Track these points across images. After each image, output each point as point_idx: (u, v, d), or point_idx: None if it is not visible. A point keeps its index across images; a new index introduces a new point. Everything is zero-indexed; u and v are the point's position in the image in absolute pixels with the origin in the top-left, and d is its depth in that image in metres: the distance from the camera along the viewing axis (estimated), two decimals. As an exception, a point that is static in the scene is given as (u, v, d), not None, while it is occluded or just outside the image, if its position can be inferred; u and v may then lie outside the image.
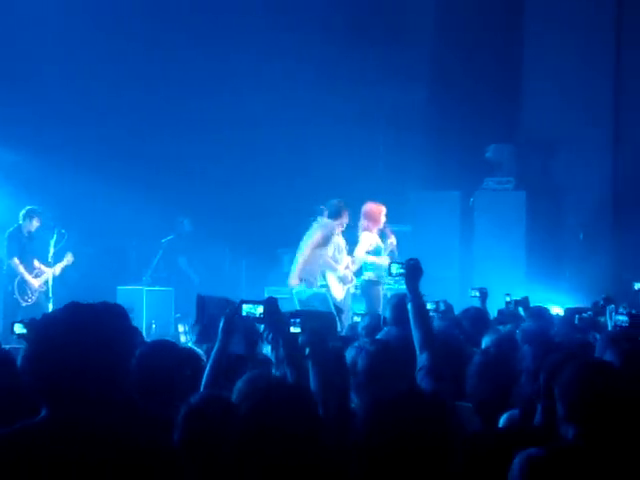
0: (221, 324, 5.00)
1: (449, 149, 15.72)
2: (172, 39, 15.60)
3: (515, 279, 14.32)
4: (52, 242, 13.16)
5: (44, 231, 13.33)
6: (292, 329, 4.62)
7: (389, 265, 6.08)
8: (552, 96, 15.92)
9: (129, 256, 16.20)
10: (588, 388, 3.58)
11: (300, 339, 4.48)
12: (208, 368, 4.93)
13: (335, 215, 12.30)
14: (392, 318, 6.67)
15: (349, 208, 12.50)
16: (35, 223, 13.06)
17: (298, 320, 4.66)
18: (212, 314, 6.92)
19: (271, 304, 4.91)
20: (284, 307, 5.29)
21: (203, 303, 6.94)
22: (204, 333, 7.09)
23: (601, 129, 15.94)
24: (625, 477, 3.45)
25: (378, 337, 6.05)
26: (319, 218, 12.44)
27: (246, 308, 4.90)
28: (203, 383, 4.83)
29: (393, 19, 16.73)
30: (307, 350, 4.30)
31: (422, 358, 5.04)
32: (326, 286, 11.90)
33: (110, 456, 2.77)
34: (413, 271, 5.69)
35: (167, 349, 4.81)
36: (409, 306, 5.51)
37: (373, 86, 16.48)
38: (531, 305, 9.45)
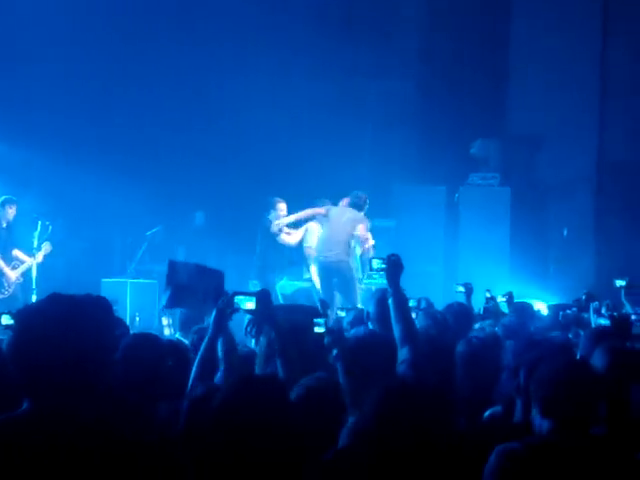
0: (212, 316, 4.96)
1: (435, 144, 15.73)
2: (165, 27, 15.55)
3: (499, 275, 14.36)
4: (36, 234, 13.11)
5: (27, 223, 13.28)
6: (316, 329, 4.61)
7: (370, 260, 6.13)
8: (538, 92, 15.97)
9: (114, 248, 16.16)
10: (561, 384, 3.63)
11: (326, 340, 4.49)
12: (197, 360, 4.91)
13: (360, 208, 12.96)
14: (375, 313, 6.67)
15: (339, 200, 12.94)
16: (11, 211, 12.93)
17: (322, 321, 4.64)
18: (182, 280, 6.94)
19: (264, 296, 4.90)
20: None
21: (174, 268, 6.95)
22: (174, 298, 7.10)
23: (586, 125, 16.00)
24: (598, 472, 3.50)
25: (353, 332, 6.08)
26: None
27: (239, 300, 4.86)
28: (192, 375, 4.81)
29: (382, 13, 16.73)
30: (334, 352, 4.32)
31: (403, 352, 5.05)
32: (311, 280, 11.93)
33: (94, 448, 2.76)
34: (394, 267, 5.76)
35: (150, 342, 4.76)
36: (390, 301, 5.57)
37: (360, 79, 16.49)
38: (515, 301, 9.49)
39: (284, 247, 13.18)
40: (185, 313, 8.37)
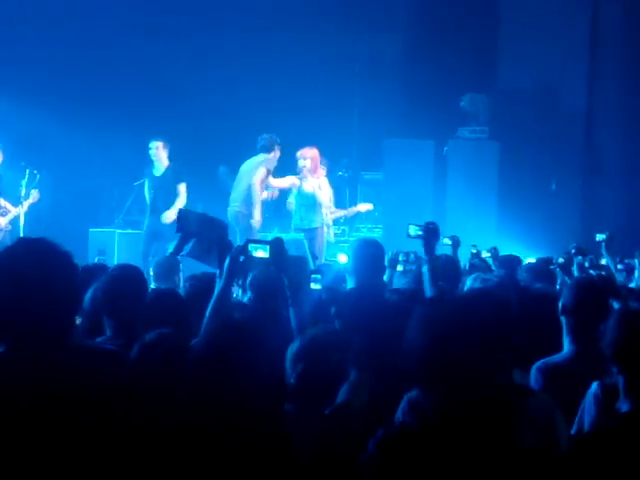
0: (226, 264, 4.87)
1: (424, 98, 15.67)
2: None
3: (486, 228, 14.41)
4: (23, 183, 13.07)
5: (15, 172, 13.22)
6: (313, 285, 4.58)
7: (408, 226, 5.97)
8: (528, 46, 15.90)
9: (102, 199, 16.11)
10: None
11: (324, 296, 4.48)
12: (209, 310, 4.90)
13: (269, 149, 12.46)
14: (355, 265, 6.60)
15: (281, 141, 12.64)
16: None
17: (319, 277, 4.61)
18: (191, 228, 6.96)
19: (278, 245, 4.82)
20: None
21: (185, 216, 6.98)
22: (180, 246, 7.14)
23: (576, 80, 15.96)
24: None
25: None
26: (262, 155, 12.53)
27: (252, 248, 4.75)
28: (204, 323, 4.79)
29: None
30: (333, 310, 4.31)
31: None
32: (304, 230, 11.88)
33: (65, 389, 2.79)
34: (432, 235, 5.79)
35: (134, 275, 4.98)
36: (424, 268, 5.62)
37: (349, 34, 16.38)
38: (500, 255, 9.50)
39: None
40: (160, 264, 8.35)
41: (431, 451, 2.85)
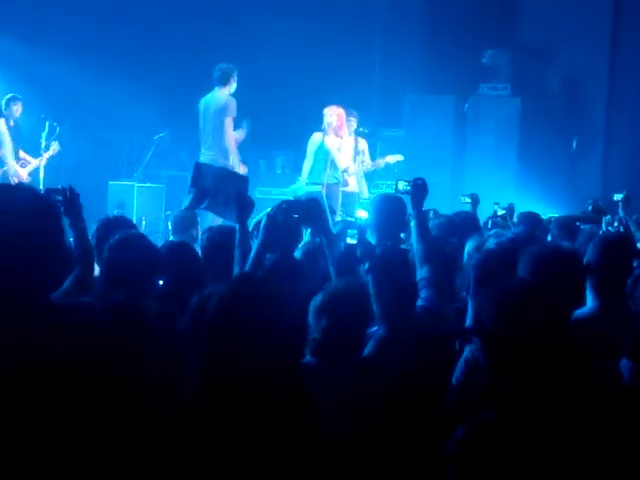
0: (263, 222, 4.86)
1: (445, 53, 15.52)
2: None
3: (506, 186, 14.35)
4: (43, 135, 13.09)
5: (34, 124, 13.24)
6: (349, 240, 4.56)
7: (396, 181, 6.18)
8: (551, 3, 15.74)
9: (122, 151, 16.11)
10: None
11: (358, 252, 4.47)
12: (248, 266, 4.91)
13: (225, 81, 12.14)
14: (376, 220, 6.64)
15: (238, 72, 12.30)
16: (16, 109, 12.87)
17: (355, 232, 4.59)
18: (207, 182, 6.95)
19: (315, 204, 4.79)
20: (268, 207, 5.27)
21: (199, 170, 6.97)
22: (196, 200, 7.13)
23: (599, 36, 15.77)
24: None
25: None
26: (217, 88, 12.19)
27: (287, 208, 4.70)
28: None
29: None
30: (366, 265, 4.32)
31: (422, 271, 5.15)
32: (321, 184, 11.84)
33: (21, 371, 2.58)
34: (420, 190, 5.94)
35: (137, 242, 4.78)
36: (412, 223, 5.74)
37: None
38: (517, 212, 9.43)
39: None
40: (178, 217, 8.35)
41: (520, 446, 2.83)
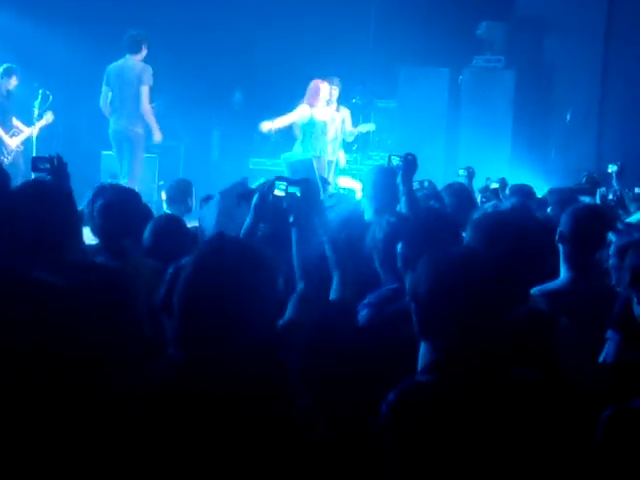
0: (254, 200, 4.68)
1: (440, 25, 15.45)
2: None
3: (500, 158, 14.36)
4: (36, 103, 13.03)
5: (28, 92, 13.17)
6: (276, 192, 4.40)
7: (389, 156, 6.43)
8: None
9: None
10: None
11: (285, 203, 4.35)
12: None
13: (137, 49, 12.07)
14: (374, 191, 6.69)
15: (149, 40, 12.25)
16: (13, 81, 12.82)
17: (284, 184, 4.41)
18: None
19: (310, 186, 4.64)
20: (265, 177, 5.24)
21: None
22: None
23: (594, 9, 15.72)
24: None
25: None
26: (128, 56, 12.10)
27: (280, 186, 4.42)
28: None
29: None
30: (291, 218, 4.20)
31: None
32: (314, 155, 11.81)
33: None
34: (410, 165, 6.23)
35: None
36: (402, 198, 6.05)
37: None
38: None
39: None
40: (173, 187, 8.36)
41: (451, 405, 2.80)
